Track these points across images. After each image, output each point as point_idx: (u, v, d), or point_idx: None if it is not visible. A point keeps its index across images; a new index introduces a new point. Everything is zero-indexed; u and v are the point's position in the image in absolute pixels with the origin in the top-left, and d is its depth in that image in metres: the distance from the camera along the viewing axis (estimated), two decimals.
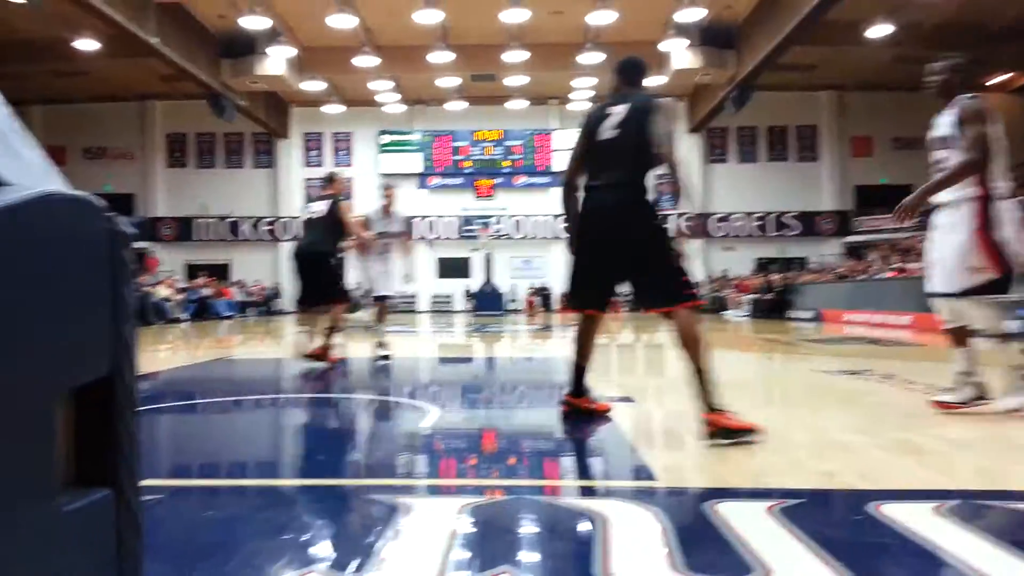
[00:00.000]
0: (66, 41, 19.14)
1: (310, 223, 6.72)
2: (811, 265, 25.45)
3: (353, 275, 7.34)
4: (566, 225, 3.57)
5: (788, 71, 22.74)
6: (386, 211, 7.29)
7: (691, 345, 3.14)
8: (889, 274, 17.50)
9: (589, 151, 3.41)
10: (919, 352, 8.62)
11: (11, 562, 1.06)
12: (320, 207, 6.64)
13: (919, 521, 1.97)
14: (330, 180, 7.08)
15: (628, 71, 3.55)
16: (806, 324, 16.99)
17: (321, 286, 6.52)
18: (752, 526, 1.95)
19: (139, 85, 24.78)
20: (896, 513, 2.05)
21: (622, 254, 3.27)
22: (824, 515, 2.21)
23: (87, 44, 19.17)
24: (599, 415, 3.72)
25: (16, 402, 1.07)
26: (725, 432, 3.02)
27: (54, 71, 22.02)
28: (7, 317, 1.04)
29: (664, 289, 3.22)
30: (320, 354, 6.34)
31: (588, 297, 3.50)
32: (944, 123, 3.75)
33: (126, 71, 22.46)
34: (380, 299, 7.42)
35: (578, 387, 3.68)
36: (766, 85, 22.82)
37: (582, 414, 3.68)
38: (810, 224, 27.04)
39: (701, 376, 3.12)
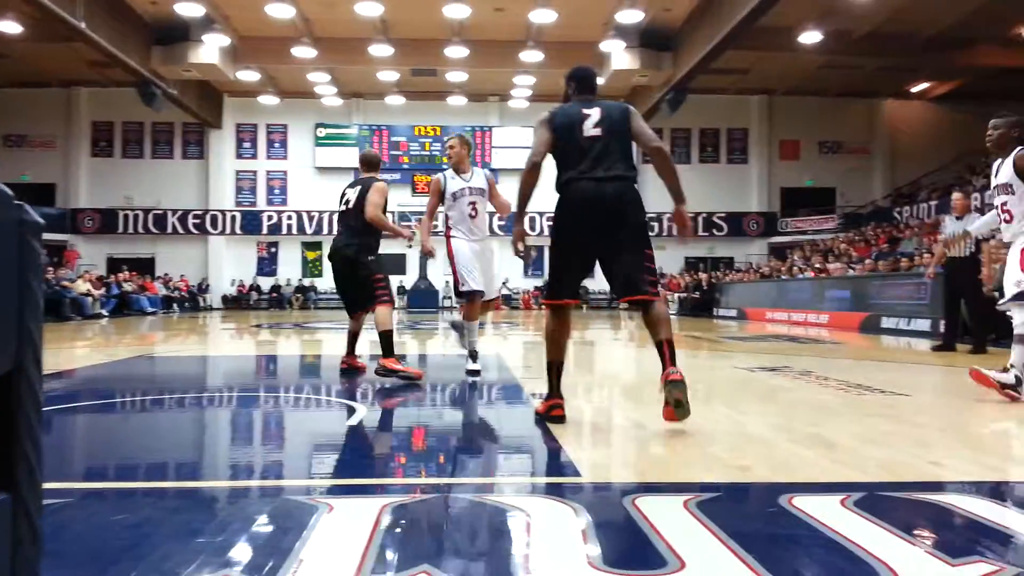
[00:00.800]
0: None
1: (342, 216, 5.56)
2: (737, 265, 26.17)
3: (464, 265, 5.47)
4: (518, 203, 3.66)
5: (722, 74, 23.33)
6: (461, 168, 5.57)
7: (666, 327, 3.39)
8: (810, 274, 18.13)
9: (566, 147, 3.51)
10: (835, 350, 8.97)
11: None
12: (352, 194, 5.50)
13: (827, 513, 2.06)
14: (368, 162, 5.81)
15: (587, 80, 3.76)
16: (731, 322, 17.46)
17: (357, 293, 5.50)
18: (669, 520, 2.00)
19: (64, 71, 23.73)
20: (806, 505, 2.13)
21: (613, 242, 3.43)
22: (738, 508, 2.28)
23: (9, 26, 18.24)
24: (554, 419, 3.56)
25: None
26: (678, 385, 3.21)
27: None
28: None
29: (643, 279, 3.44)
30: (387, 365, 5.23)
31: (571, 285, 3.59)
32: (1004, 172, 4.38)
33: (51, 56, 21.49)
34: (465, 295, 5.62)
35: (556, 388, 3.58)
36: (700, 88, 23.35)
37: (546, 418, 3.55)
38: (738, 224, 27.83)
39: (669, 346, 3.33)
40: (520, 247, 3.63)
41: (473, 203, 5.48)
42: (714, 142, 28.43)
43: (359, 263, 5.40)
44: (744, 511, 2.28)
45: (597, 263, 3.56)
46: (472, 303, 5.54)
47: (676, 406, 3.17)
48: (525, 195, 3.59)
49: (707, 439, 3.19)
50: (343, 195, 5.58)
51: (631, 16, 19.06)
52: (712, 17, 18.24)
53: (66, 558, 1.71)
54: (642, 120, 3.61)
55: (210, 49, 20.51)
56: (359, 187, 5.49)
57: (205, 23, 19.40)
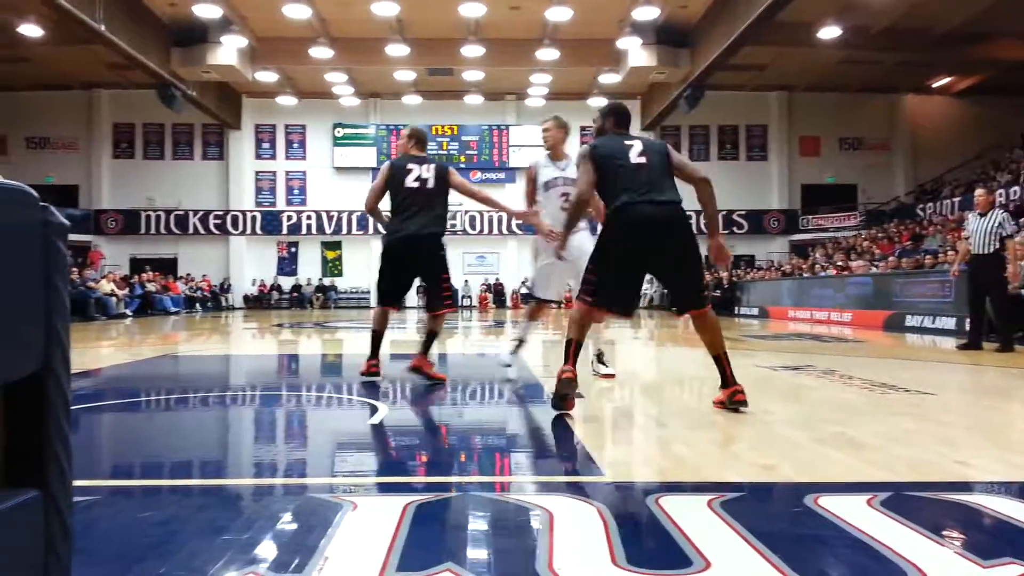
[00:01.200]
0: (9, 26, 18.42)
1: (416, 196, 4.87)
2: (758, 263, 25.98)
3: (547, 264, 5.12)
4: (566, 225, 4.03)
5: (740, 71, 23.16)
6: (556, 154, 5.14)
7: (717, 338, 3.84)
8: (832, 272, 17.96)
9: (617, 174, 3.77)
10: (859, 348, 8.87)
11: None
12: (426, 172, 4.90)
13: (854, 513, 2.03)
14: (415, 136, 5.18)
15: (625, 116, 4.09)
16: (752, 320, 17.34)
17: (434, 284, 5.07)
18: (693, 520, 1.99)
19: (85, 73, 24.01)
20: (832, 505, 2.11)
21: (671, 260, 3.79)
22: (762, 508, 2.27)
23: (31, 30, 18.48)
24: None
25: None
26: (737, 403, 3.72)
27: None
28: None
29: (697, 294, 3.91)
30: (423, 367, 4.98)
31: (620, 299, 3.89)
32: None
33: (71, 58, 21.74)
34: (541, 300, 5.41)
35: (572, 360, 3.78)
36: (719, 85, 23.20)
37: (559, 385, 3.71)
38: (758, 222, 27.61)
39: (722, 361, 3.80)
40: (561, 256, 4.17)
41: (566, 195, 4.87)
42: (733, 139, 28.22)
43: (437, 256, 4.95)
44: (769, 511, 2.26)
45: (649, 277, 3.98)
46: (539, 307, 5.47)
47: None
48: (574, 222, 4.03)
49: (730, 438, 3.17)
50: (405, 171, 4.89)
51: (647, 13, 18.97)
52: (729, 13, 18.11)
53: (95, 555, 1.73)
54: (679, 154, 4.08)
55: (228, 50, 20.67)
56: (429, 165, 4.94)
57: (223, 24, 19.55)
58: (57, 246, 1.27)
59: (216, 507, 2.27)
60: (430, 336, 5.08)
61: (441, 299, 5.05)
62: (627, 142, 3.87)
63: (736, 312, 20.74)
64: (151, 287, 21.22)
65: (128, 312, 18.84)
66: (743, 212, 27.46)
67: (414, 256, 4.93)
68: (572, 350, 3.80)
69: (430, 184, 4.88)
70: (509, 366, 5.43)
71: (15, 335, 1.19)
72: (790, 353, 7.83)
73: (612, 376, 5.13)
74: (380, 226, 5.55)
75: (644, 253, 3.74)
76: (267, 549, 1.80)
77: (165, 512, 2.16)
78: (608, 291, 3.79)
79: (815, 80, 25.44)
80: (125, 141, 27.26)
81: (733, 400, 3.72)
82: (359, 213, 26.87)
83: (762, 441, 3.12)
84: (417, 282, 5.34)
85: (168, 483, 2.64)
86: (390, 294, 5.16)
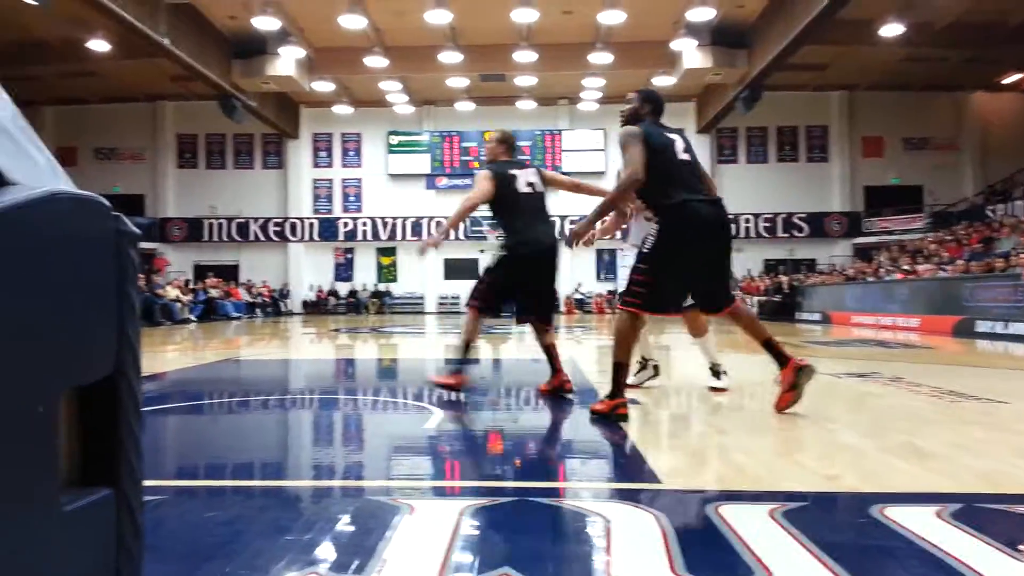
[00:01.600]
0: (78, 42, 19.26)
1: (530, 201, 4.63)
2: (820, 267, 25.35)
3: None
4: (602, 209, 3.96)
5: (799, 71, 22.67)
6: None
7: (757, 326, 3.89)
8: (898, 276, 17.41)
9: (666, 168, 3.69)
10: (926, 355, 8.57)
11: (12, 560, 1.07)
12: (532, 176, 4.68)
13: (922, 525, 1.96)
14: (507, 141, 4.94)
15: (662, 105, 3.99)
16: (814, 326, 16.91)
17: (550, 295, 4.81)
18: (754, 529, 1.95)
19: (150, 86, 24.89)
20: (899, 516, 2.04)
21: (716, 260, 3.79)
22: (827, 518, 2.21)
23: (98, 44, 19.28)
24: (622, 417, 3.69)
25: (19, 400, 1.09)
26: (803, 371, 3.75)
27: (65, 72, 22.16)
28: (11, 315, 1.06)
29: (727, 293, 3.92)
30: (565, 385, 4.66)
31: (676, 299, 3.91)
32: None
33: (137, 72, 22.57)
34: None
35: (622, 389, 3.73)
36: (777, 85, 22.75)
37: (610, 417, 3.66)
38: (819, 225, 26.92)
39: (772, 344, 3.82)
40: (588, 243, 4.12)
41: None
42: (792, 140, 27.61)
43: (557, 266, 4.68)
44: (833, 521, 2.20)
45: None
46: (696, 315, 4.74)
47: (797, 394, 3.73)
48: (616, 206, 4.04)
49: (792, 447, 3.10)
50: (511, 177, 4.61)
51: (702, 14, 18.72)
52: (787, 12, 17.75)
53: (164, 553, 1.78)
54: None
55: (286, 61, 21.17)
56: (528, 169, 4.76)
57: (281, 36, 20.04)
58: (129, 254, 1.31)
59: (277, 508, 2.32)
60: (552, 349, 4.71)
61: (554, 309, 4.87)
62: (669, 135, 3.80)
63: (796, 317, 20.27)
64: (214, 293, 21.84)
65: (192, 317, 19.42)
66: (803, 215, 26.83)
67: (547, 266, 4.63)
68: (623, 377, 3.72)
69: (538, 188, 4.69)
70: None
71: (90, 340, 1.23)
72: (855, 360, 7.61)
73: (724, 391, 4.73)
74: (455, 232, 5.40)
75: (703, 253, 3.71)
76: (327, 550, 1.83)
77: (229, 512, 2.21)
78: (660, 292, 3.71)
79: (877, 79, 24.72)
80: (189, 151, 28.16)
81: (799, 372, 3.73)
82: (413, 219, 27.19)
83: (826, 450, 3.04)
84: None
85: (231, 484, 2.70)
86: (499, 304, 4.80)
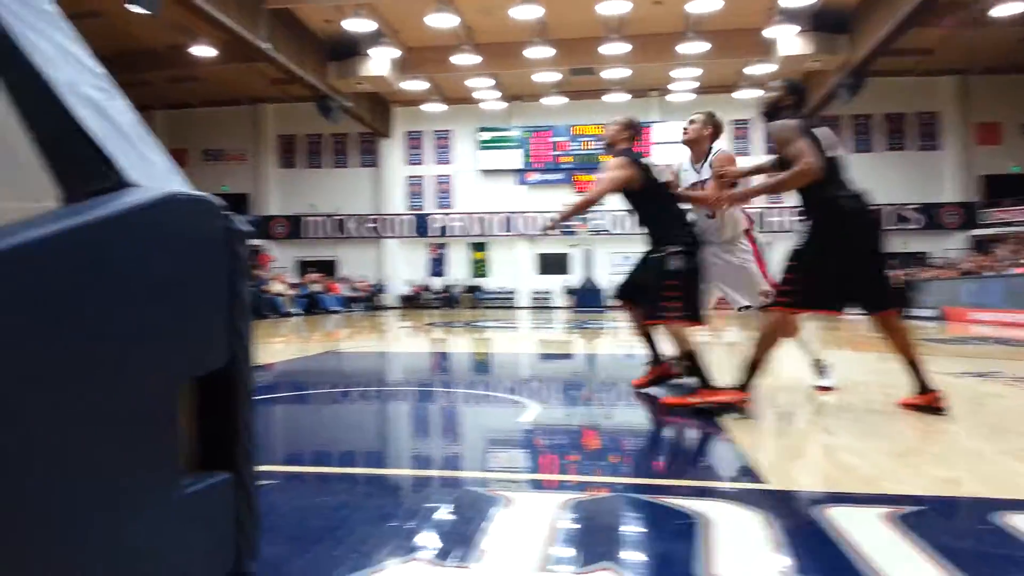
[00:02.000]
0: (184, 48, 20.34)
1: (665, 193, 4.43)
2: (933, 260, 23.97)
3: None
4: (756, 195, 4.07)
5: (905, 55, 21.46)
6: (697, 154, 4.58)
7: (909, 342, 3.74)
8: (1019, 270, 16.28)
9: (827, 161, 3.62)
10: None
11: (139, 539, 1.14)
12: (662, 166, 4.59)
13: None
14: (633, 127, 4.56)
15: (804, 97, 4.02)
16: (928, 323, 16.02)
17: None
18: (866, 533, 1.86)
19: (251, 89, 26.01)
20: None
21: (870, 257, 3.68)
22: (946, 524, 2.09)
23: (203, 51, 20.29)
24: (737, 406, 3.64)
25: (145, 389, 1.15)
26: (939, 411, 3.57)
27: (173, 77, 23.44)
28: (135, 309, 1.12)
29: (891, 293, 3.86)
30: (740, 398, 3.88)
31: (826, 298, 3.72)
32: None
33: (239, 76, 23.62)
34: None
35: (749, 384, 3.68)
36: (882, 71, 21.60)
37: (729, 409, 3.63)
38: (932, 217, 25.41)
39: (918, 366, 3.68)
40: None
41: None
42: (900, 128, 26.17)
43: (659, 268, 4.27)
44: (953, 527, 2.07)
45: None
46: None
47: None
48: (778, 192, 3.98)
49: (907, 448, 2.94)
50: (646, 166, 4.37)
51: None
52: None
53: (276, 534, 1.86)
54: None
55: (380, 62, 21.68)
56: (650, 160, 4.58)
57: (374, 37, 20.52)
58: (239, 251, 1.37)
59: (380, 495, 2.38)
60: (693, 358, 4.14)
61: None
62: (816, 129, 3.75)
63: (908, 313, 19.25)
64: (315, 287, 22.67)
65: (295, 311, 20.21)
66: (915, 206, 25.38)
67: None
68: (755, 373, 3.66)
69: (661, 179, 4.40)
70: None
71: (207, 334, 1.29)
72: (974, 358, 7.15)
73: (830, 389, 4.45)
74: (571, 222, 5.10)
75: (858, 249, 3.63)
76: (428, 539, 1.86)
77: (336, 498, 2.29)
78: (811, 290, 3.61)
79: (992, 62, 23.06)
80: (288, 151, 29.27)
81: (933, 406, 3.60)
82: (503, 215, 27.37)
83: (943, 452, 2.87)
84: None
85: (337, 471, 2.80)
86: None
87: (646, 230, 4.42)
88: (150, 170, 1.33)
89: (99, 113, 1.22)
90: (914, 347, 3.74)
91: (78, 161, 1.16)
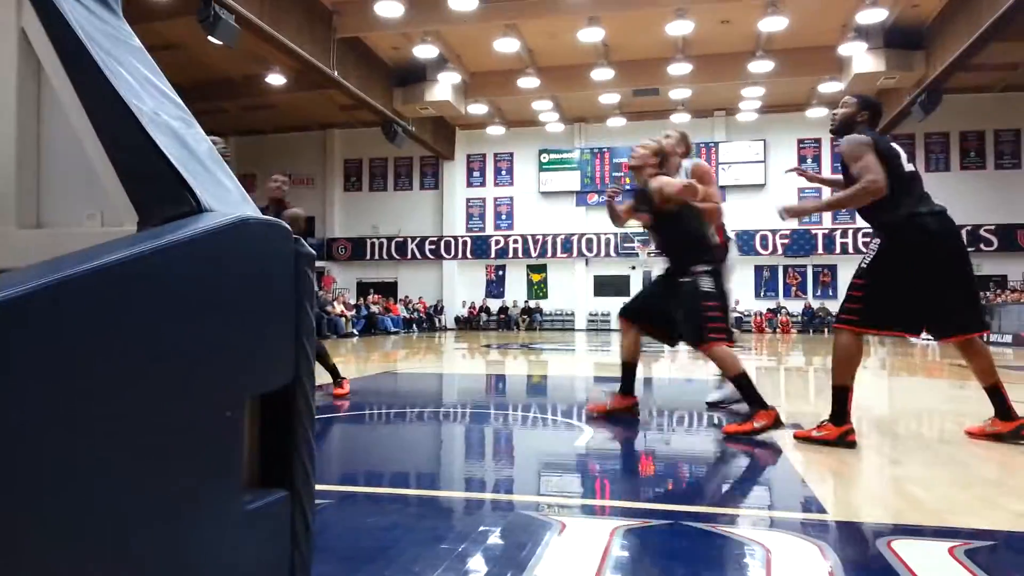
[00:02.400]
0: (258, 77, 21.13)
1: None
2: (1012, 284, 22.91)
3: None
4: (823, 209, 3.97)
5: (984, 71, 20.74)
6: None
7: (991, 367, 3.60)
8: None
9: (895, 178, 3.54)
10: None
11: (201, 554, 1.18)
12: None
13: None
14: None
15: (880, 115, 3.91)
16: (1005, 348, 15.31)
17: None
18: (932, 568, 1.79)
19: (320, 115, 26.83)
20: None
21: (950, 278, 3.53)
22: (1018, 560, 1.98)
23: (276, 79, 21.07)
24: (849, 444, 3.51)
25: (213, 406, 1.20)
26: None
27: (247, 105, 24.41)
28: (208, 328, 1.17)
29: (976, 314, 3.66)
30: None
31: (896, 318, 3.56)
32: None
33: (309, 102, 24.40)
34: None
35: (848, 413, 3.56)
36: (959, 87, 20.92)
37: (838, 444, 3.50)
38: (1011, 238, 24.32)
39: (999, 390, 3.57)
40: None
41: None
42: (978, 146, 25.20)
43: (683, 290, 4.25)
44: None
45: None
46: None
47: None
48: (845, 207, 3.83)
49: (977, 480, 2.81)
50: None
51: (874, 15, 17.57)
52: (970, 9, 16.28)
53: (329, 553, 1.89)
54: None
55: (444, 87, 22.08)
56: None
57: (439, 63, 20.94)
58: (306, 273, 1.42)
59: (433, 517, 2.40)
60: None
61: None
62: (892, 144, 3.69)
63: (984, 339, 18.41)
64: (375, 308, 23.05)
65: (355, 331, 20.58)
66: (992, 227, 24.35)
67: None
68: (847, 400, 3.53)
69: None
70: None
71: (274, 352, 1.34)
72: None
73: (719, 405, 4.80)
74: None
75: (934, 269, 3.49)
76: (480, 562, 1.87)
77: (388, 519, 2.31)
78: (879, 308, 3.50)
79: None
80: (354, 175, 30.00)
81: (1019, 435, 3.49)
82: (563, 236, 27.40)
83: (1018, 485, 2.73)
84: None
85: (390, 491, 2.83)
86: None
87: (670, 253, 4.36)
88: (224, 196, 1.40)
89: (178, 141, 1.30)
90: (996, 372, 3.62)
91: (159, 187, 1.24)
